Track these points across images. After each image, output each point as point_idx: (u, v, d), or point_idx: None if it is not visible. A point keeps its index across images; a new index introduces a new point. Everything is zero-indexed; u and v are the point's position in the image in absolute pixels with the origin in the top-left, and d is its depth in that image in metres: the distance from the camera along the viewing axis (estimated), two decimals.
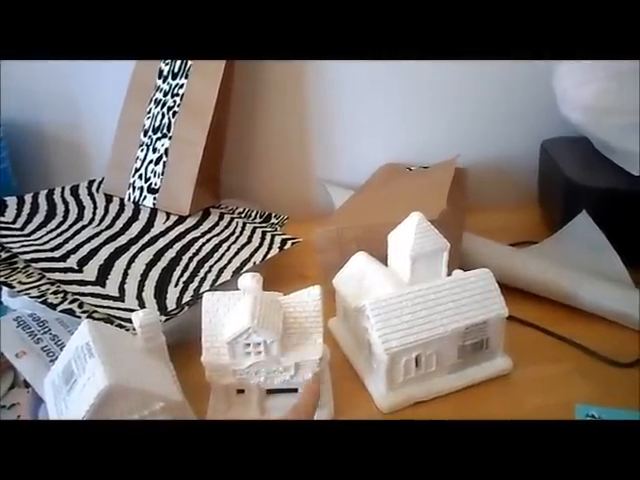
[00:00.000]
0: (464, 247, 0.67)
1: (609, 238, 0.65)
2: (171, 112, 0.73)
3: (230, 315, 0.48)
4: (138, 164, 0.75)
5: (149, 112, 0.75)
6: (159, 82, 0.75)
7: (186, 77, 0.73)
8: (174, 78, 0.74)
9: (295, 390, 0.49)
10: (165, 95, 0.74)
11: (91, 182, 0.79)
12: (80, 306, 0.55)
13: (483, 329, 0.50)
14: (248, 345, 0.46)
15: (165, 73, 0.75)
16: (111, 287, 0.58)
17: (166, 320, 0.54)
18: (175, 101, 0.73)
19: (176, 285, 0.59)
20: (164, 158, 0.74)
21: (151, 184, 0.74)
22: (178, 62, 0.74)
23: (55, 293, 0.57)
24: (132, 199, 0.75)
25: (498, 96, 0.85)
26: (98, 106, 0.81)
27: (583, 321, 0.60)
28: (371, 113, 0.85)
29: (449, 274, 0.53)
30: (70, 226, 0.68)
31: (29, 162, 0.83)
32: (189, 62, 0.73)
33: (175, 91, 0.74)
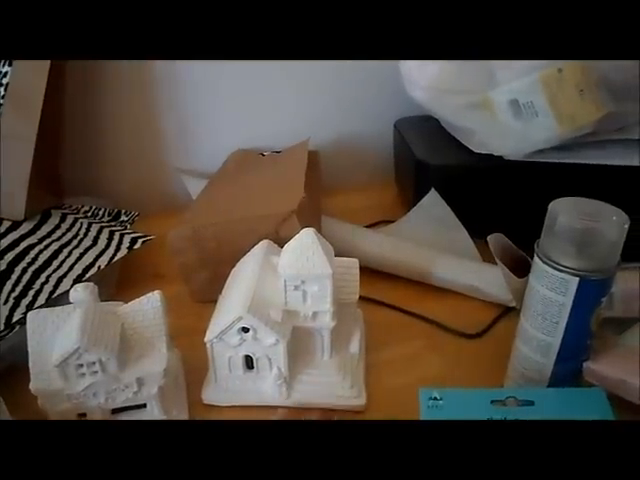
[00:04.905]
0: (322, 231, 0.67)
1: (458, 213, 0.68)
2: None
3: (59, 334, 0.43)
4: None
5: None
6: None
7: (10, 64, 0.65)
8: None
9: (144, 405, 0.46)
10: None
11: None
12: None
13: None
14: (81, 366, 0.42)
15: None
16: None
17: None
18: None
19: (6, 302, 0.53)
20: None
21: None
22: None
23: None
24: None
25: (349, 78, 0.85)
26: None
27: (436, 298, 0.63)
28: (221, 97, 0.81)
29: None
30: None
31: None
32: None
33: None
